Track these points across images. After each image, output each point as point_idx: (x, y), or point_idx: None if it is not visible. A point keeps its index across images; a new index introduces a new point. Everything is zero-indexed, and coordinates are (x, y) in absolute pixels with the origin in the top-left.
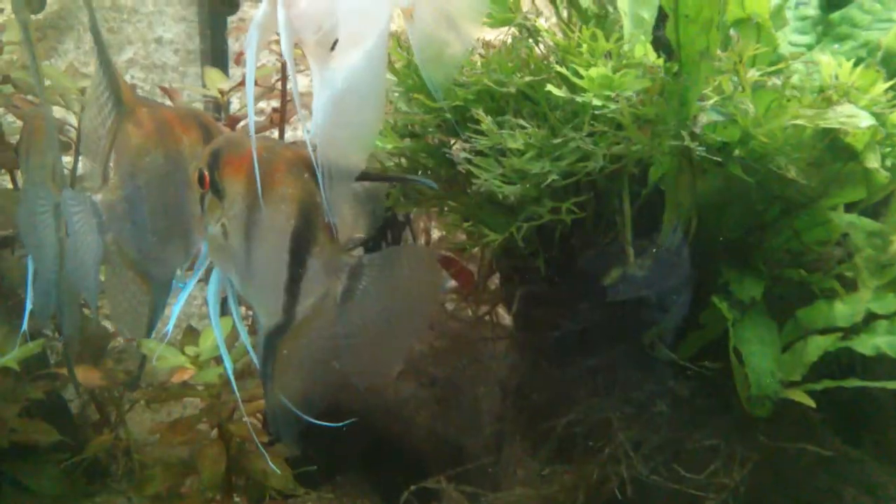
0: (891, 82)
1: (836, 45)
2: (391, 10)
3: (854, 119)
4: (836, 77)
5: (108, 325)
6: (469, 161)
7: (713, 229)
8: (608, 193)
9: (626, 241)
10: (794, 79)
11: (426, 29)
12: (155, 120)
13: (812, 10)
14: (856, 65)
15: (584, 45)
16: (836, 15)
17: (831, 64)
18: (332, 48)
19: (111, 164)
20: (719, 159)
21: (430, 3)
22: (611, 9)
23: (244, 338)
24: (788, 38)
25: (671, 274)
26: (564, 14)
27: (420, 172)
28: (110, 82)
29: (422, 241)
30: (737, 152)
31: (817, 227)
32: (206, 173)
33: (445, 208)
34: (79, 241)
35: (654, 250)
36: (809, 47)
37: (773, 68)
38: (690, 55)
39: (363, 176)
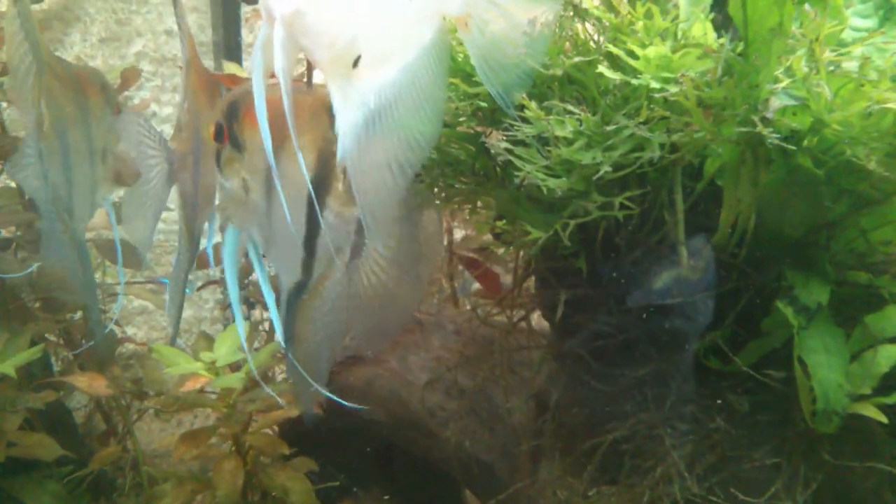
0: None
1: None
2: (436, 21)
3: None
4: None
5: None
6: (510, 152)
7: (774, 228)
8: (657, 187)
9: (678, 241)
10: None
11: (487, 42)
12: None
13: None
14: None
15: (639, 24)
16: None
17: None
18: (355, 65)
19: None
20: (792, 147)
21: (492, 12)
22: None
23: (267, 297)
24: (850, 23)
25: (728, 277)
26: None
27: (451, 166)
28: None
29: (444, 240)
30: (806, 142)
31: (886, 226)
32: (225, 126)
33: (478, 205)
34: None
35: (710, 250)
36: (871, 32)
37: (844, 50)
38: (760, 33)
39: None
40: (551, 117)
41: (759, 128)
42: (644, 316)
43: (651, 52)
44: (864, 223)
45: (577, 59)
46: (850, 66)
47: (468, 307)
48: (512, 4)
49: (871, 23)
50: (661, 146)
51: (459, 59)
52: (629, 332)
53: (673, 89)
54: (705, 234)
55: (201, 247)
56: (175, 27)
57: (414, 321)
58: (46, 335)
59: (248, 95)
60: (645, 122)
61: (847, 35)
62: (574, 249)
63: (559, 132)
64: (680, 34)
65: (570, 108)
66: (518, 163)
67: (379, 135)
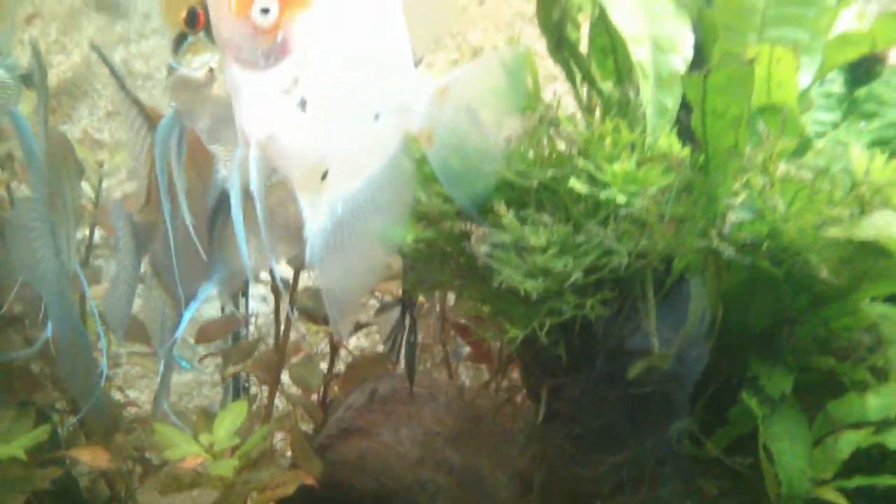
0: None
1: (863, 123)
2: (399, 137)
3: (891, 228)
4: (868, 173)
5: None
6: (490, 255)
7: (739, 321)
8: (631, 282)
9: (650, 332)
10: (822, 160)
11: (450, 155)
12: None
13: (837, 88)
14: (883, 144)
15: (608, 138)
16: (861, 91)
17: (863, 158)
18: (324, 178)
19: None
20: (747, 258)
21: (451, 124)
22: (633, 95)
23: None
24: (814, 116)
25: (697, 366)
26: (585, 96)
27: (439, 259)
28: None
29: (437, 307)
30: (765, 246)
31: (846, 317)
32: (201, 12)
33: (464, 294)
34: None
35: (680, 342)
36: (835, 125)
37: (801, 160)
38: (718, 151)
39: None
40: (527, 227)
41: (716, 242)
42: (619, 403)
43: (617, 168)
44: (824, 315)
45: (549, 172)
46: (814, 161)
47: (461, 373)
48: (472, 121)
49: (834, 116)
50: (629, 254)
51: None
52: (606, 417)
53: (637, 203)
54: (676, 325)
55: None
56: None
57: (407, 392)
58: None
59: None
60: (615, 230)
61: (812, 129)
62: (554, 338)
63: (533, 241)
64: (647, 145)
65: (545, 218)
66: (497, 265)
67: (346, 239)
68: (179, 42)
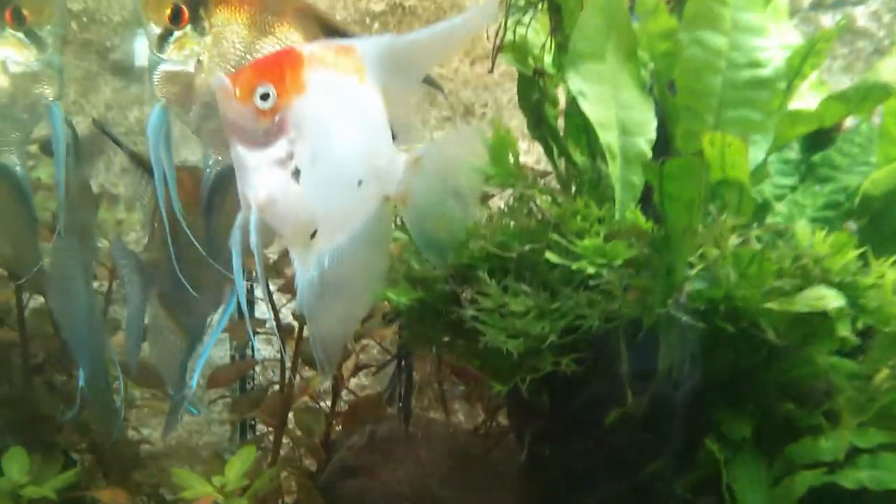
0: (861, 249)
1: (818, 187)
2: (379, 199)
3: (822, 301)
4: (811, 246)
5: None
6: (475, 318)
7: (705, 372)
8: (605, 340)
9: (623, 382)
10: (779, 220)
11: (422, 216)
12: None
13: (794, 154)
14: (834, 207)
15: (578, 216)
16: (817, 157)
17: (806, 233)
18: (313, 236)
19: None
20: (701, 323)
21: (425, 192)
22: (604, 170)
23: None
24: (772, 180)
25: (666, 413)
26: (563, 170)
27: (432, 318)
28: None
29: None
30: (722, 308)
31: (803, 366)
32: (185, 8)
33: (454, 350)
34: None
35: (651, 391)
36: (793, 189)
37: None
38: (675, 229)
39: None
40: (508, 294)
41: (672, 311)
42: (597, 447)
43: (587, 242)
44: (782, 365)
45: (527, 246)
46: (773, 221)
47: (457, 408)
48: (442, 187)
49: (792, 180)
50: (600, 317)
51: None
52: (585, 461)
53: (605, 274)
54: (648, 375)
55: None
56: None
57: (404, 433)
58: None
59: None
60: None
61: (769, 192)
62: (537, 389)
63: (514, 307)
64: (615, 220)
65: (524, 287)
66: (482, 327)
67: (331, 288)
68: (165, 38)
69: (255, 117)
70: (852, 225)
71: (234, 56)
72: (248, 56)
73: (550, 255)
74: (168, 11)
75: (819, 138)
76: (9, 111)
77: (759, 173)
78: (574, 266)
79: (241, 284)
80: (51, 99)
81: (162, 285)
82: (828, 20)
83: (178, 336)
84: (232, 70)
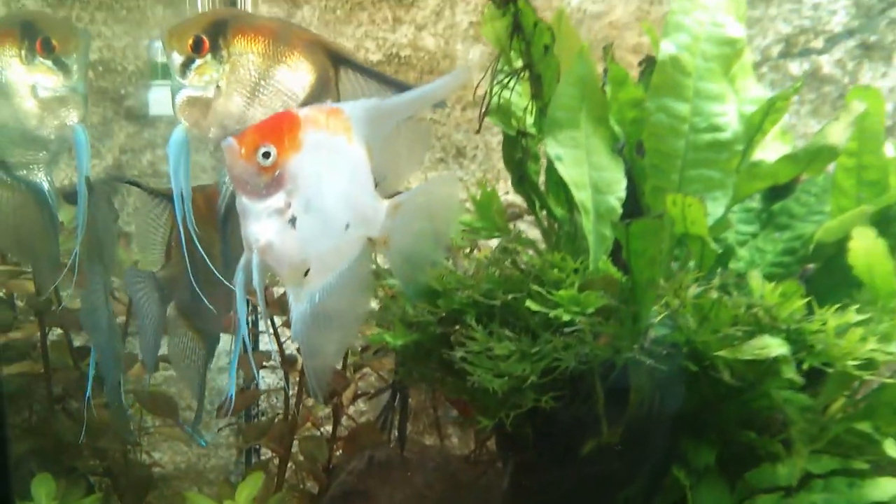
0: (807, 299)
1: (777, 234)
2: (363, 241)
3: (766, 350)
4: (762, 296)
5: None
6: (464, 360)
7: (672, 405)
8: (582, 378)
9: (600, 416)
10: (741, 264)
11: (402, 255)
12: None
13: (756, 204)
14: (791, 254)
15: (555, 269)
16: (776, 206)
17: (758, 283)
18: (306, 275)
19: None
20: (664, 366)
21: (404, 234)
22: (580, 222)
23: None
24: (735, 228)
25: (637, 444)
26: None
27: (425, 357)
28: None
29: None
30: (684, 350)
31: (760, 399)
32: (206, 38)
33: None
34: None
35: (623, 424)
36: (754, 235)
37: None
38: (640, 282)
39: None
40: (493, 339)
41: (637, 355)
42: (576, 474)
43: (563, 293)
44: (744, 398)
45: (510, 296)
46: (735, 266)
47: (451, 431)
48: (420, 231)
49: (753, 227)
50: (575, 360)
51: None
52: (565, 489)
53: (579, 321)
54: (621, 409)
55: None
56: None
57: (400, 458)
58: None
59: (239, 15)
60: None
61: (732, 238)
62: (521, 422)
63: (498, 351)
64: (590, 269)
65: (507, 332)
66: (469, 368)
67: (322, 320)
68: (187, 65)
69: (257, 173)
70: (809, 269)
71: (249, 82)
72: (263, 82)
73: (531, 304)
74: (190, 41)
75: (779, 189)
76: (38, 132)
77: (721, 225)
78: (552, 314)
79: (244, 319)
80: (76, 121)
81: (180, 298)
82: (795, 67)
83: (196, 343)
84: (247, 94)
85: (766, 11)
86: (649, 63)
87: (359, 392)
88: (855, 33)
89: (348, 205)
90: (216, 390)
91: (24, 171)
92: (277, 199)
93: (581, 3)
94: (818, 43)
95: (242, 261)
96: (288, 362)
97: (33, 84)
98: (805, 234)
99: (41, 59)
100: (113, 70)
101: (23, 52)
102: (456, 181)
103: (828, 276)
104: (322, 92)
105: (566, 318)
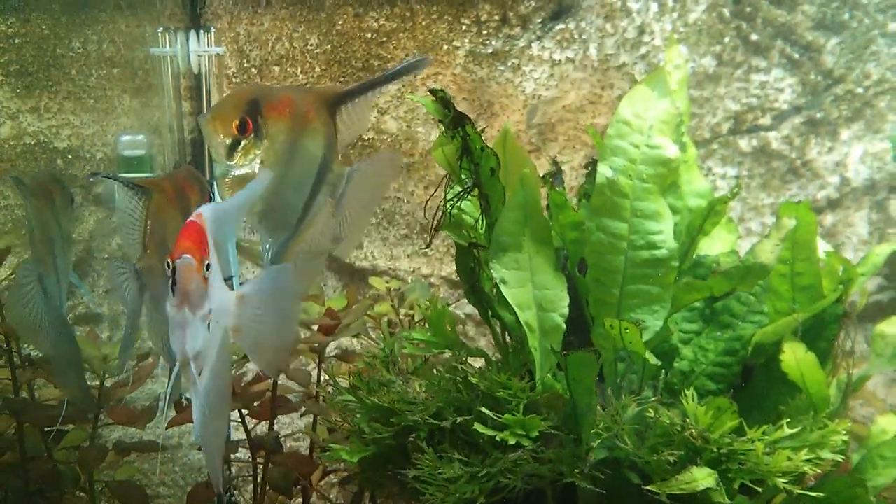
0: (735, 421)
1: (719, 333)
2: (223, 331)
3: (692, 485)
4: (695, 419)
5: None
6: (417, 479)
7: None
8: (531, 496)
9: None
10: (684, 363)
11: (249, 337)
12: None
13: (699, 302)
14: (732, 354)
15: (502, 391)
16: (719, 304)
17: (691, 406)
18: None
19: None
20: (600, 491)
21: (250, 318)
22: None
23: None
24: (680, 326)
25: None
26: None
27: (382, 470)
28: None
29: None
30: (626, 464)
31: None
32: (249, 119)
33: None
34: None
35: None
36: (697, 333)
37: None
38: (580, 406)
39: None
40: (442, 463)
41: (577, 480)
42: None
43: (509, 417)
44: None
45: (458, 419)
46: (681, 365)
47: None
48: (264, 316)
49: (696, 326)
50: (521, 479)
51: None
52: None
53: (525, 444)
54: None
55: None
56: None
57: None
58: None
59: (263, 91)
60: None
61: (677, 337)
62: None
63: (447, 474)
64: (536, 383)
65: (456, 455)
66: (421, 487)
67: (211, 413)
68: (234, 147)
69: (202, 285)
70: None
71: (283, 152)
72: (292, 151)
73: (478, 426)
74: (236, 123)
75: None
76: None
77: (661, 335)
78: (498, 437)
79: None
80: None
81: (155, 287)
82: (744, 143)
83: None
84: (282, 165)
85: (715, 90)
86: (594, 166)
87: (327, 470)
88: (801, 110)
89: (215, 301)
90: (188, 466)
91: None
92: (206, 308)
93: (535, 89)
94: (766, 120)
95: (177, 370)
96: (255, 449)
97: None
98: (745, 335)
99: None
100: (82, 158)
101: None
102: (288, 272)
103: (768, 374)
104: (331, 148)
105: (512, 441)
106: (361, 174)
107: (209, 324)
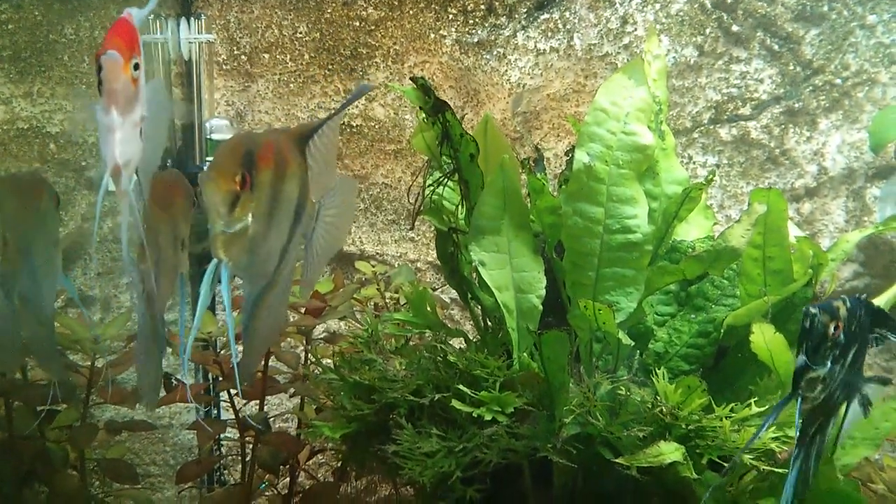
0: (703, 399)
1: (693, 315)
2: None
3: (660, 458)
4: (665, 396)
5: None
6: (396, 454)
7: (593, 484)
8: (507, 471)
9: (528, 496)
10: (659, 345)
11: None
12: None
13: (674, 286)
14: (705, 336)
15: (479, 369)
16: (693, 288)
17: (662, 384)
18: None
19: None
20: (573, 465)
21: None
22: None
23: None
24: (655, 309)
25: None
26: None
27: (364, 446)
28: None
29: None
30: (598, 440)
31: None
32: (248, 175)
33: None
34: None
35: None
36: (672, 315)
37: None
38: (554, 385)
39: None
40: (420, 438)
41: (551, 455)
42: None
43: (485, 394)
44: (658, 477)
45: (437, 396)
46: (656, 346)
47: None
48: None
49: (671, 308)
50: (498, 454)
51: None
52: None
53: (501, 419)
54: (547, 489)
55: None
56: None
57: None
58: None
59: (250, 140)
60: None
61: (652, 319)
62: None
63: (425, 448)
64: (514, 362)
65: (434, 430)
66: (401, 461)
67: None
68: (234, 203)
69: (130, 86)
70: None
71: (269, 201)
72: (277, 199)
73: (456, 403)
74: (238, 178)
75: None
76: None
77: (635, 316)
78: (475, 413)
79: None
80: None
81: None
82: (725, 132)
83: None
84: (268, 215)
85: (697, 80)
86: (573, 153)
87: (314, 449)
88: (780, 100)
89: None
90: (178, 446)
91: None
92: (137, 112)
93: (521, 78)
94: (746, 110)
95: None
96: (244, 427)
97: None
98: (718, 318)
99: None
100: (74, 143)
101: None
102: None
103: (740, 355)
104: (304, 188)
105: (488, 417)
106: (328, 208)
107: (141, 130)
